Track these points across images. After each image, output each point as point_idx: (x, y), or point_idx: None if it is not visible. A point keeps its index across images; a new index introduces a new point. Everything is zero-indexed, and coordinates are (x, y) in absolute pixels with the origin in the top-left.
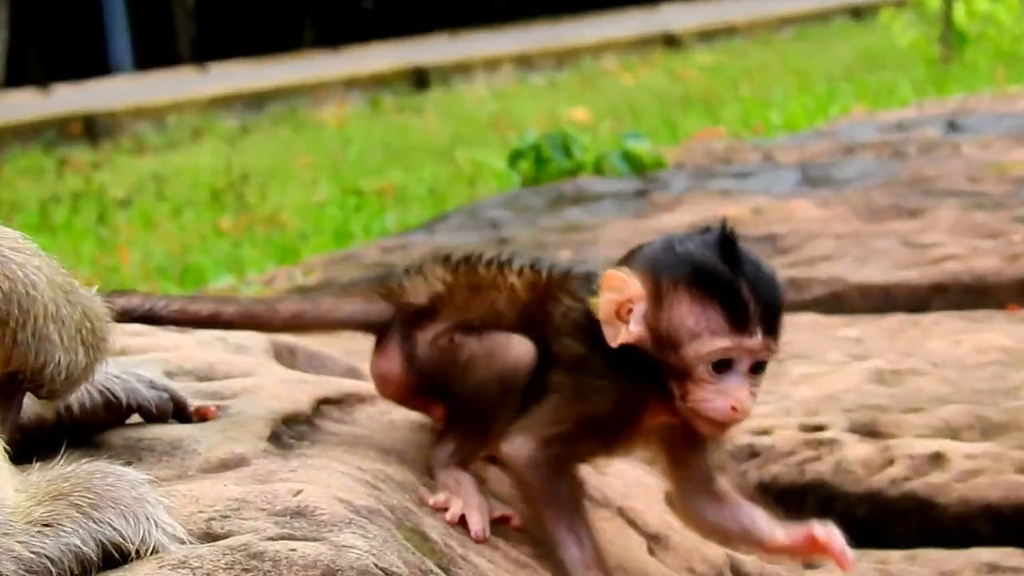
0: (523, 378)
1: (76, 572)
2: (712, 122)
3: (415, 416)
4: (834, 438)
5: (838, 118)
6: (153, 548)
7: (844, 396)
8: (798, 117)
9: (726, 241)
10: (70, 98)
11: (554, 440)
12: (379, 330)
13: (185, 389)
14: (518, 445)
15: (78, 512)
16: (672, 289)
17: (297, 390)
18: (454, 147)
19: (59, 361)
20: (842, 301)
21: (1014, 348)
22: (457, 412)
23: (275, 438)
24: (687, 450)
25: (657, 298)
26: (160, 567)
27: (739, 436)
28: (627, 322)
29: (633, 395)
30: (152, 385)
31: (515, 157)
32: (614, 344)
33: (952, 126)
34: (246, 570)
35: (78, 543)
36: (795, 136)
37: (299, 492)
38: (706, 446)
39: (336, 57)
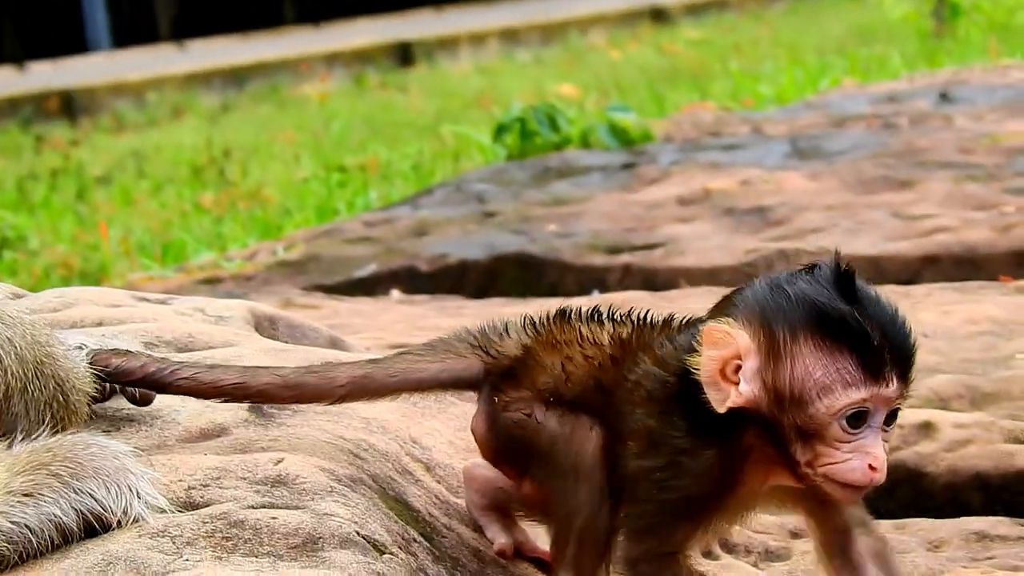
0: (597, 465)
1: (57, 542)
2: (701, 96)
3: None
4: None
5: (829, 91)
6: (134, 519)
7: None
8: (788, 90)
9: (843, 277)
10: (47, 75)
11: (648, 534)
12: (472, 387)
13: None
14: (620, 549)
15: (59, 482)
16: (791, 339)
17: (278, 360)
18: (439, 123)
19: (23, 428)
20: None
21: (1005, 319)
22: (558, 532)
23: (256, 408)
24: (821, 508)
25: (773, 351)
26: (140, 536)
27: None
28: (735, 382)
29: (730, 463)
30: None
31: (500, 131)
32: (722, 409)
33: (944, 98)
34: (227, 538)
35: (58, 513)
36: (785, 109)
37: (280, 461)
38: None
39: (318, 33)
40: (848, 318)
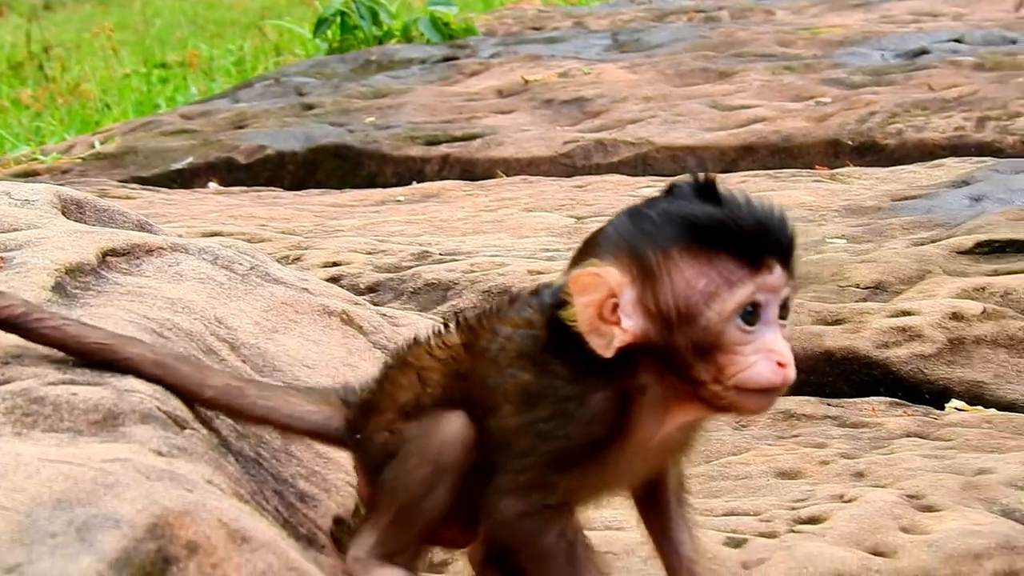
0: (460, 457)
1: None
2: None
3: (204, 268)
4: None
5: None
6: None
7: None
8: None
9: (704, 186)
10: None
11: (532, 488)
12: (335, 440)
13: None
14: (493, 509)
15: None
16: (664, 258)
17: (83, 241)
18: (263, 20)
19: None
20: (650, 162)
21: (817, 204)
22: (382, 500)
23: (59, 288)
24: (673, 467)
25: (649, 276)
26: None
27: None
28: (616, 321)
29: (621, 406)
30: None
31: (321, 24)
32: (609, 353)
33: None
34: (27, 414)
35: None
36: (608, 3)
37: None
38: (682, 458)
39: None
40: (717, 219)
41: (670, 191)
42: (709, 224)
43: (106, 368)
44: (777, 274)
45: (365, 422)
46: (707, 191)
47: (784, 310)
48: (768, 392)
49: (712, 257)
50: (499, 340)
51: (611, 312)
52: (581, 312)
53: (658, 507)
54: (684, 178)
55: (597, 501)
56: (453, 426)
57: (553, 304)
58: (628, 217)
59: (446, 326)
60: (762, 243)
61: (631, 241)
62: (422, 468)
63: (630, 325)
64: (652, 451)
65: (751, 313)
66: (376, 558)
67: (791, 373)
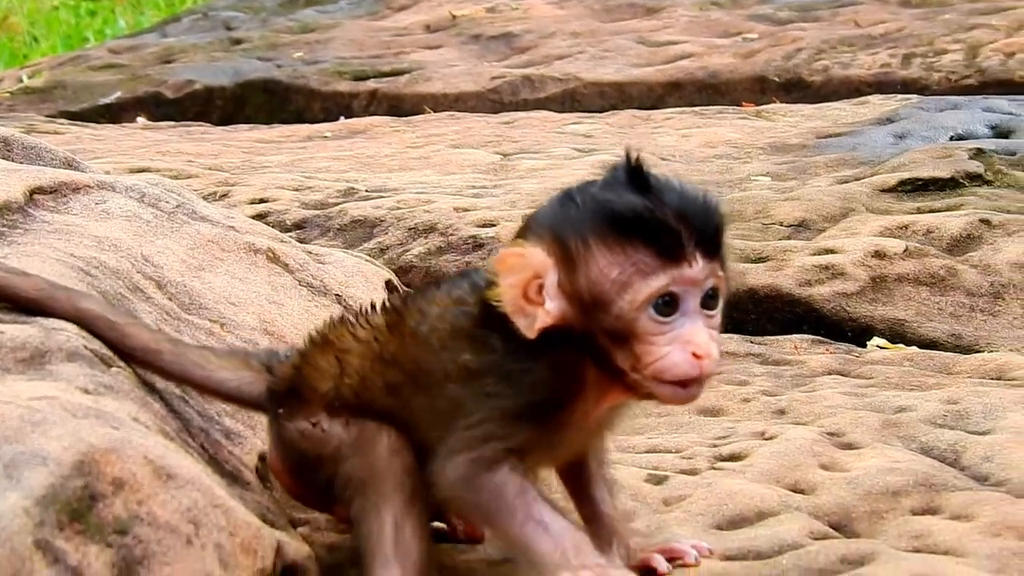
0: (400, 472)
1: None
2: None
3: (131, 206)
4: None
5: None
6: None
7: None
8: None
9: (633, 169)
10: None
11: (483, 440)
12: (254, 405)
13: None
14: (440, 471)
15: None
16: (583, 244)
17: (10, 180)
18: None
19: None
20: (577, 99)
21: (742, 142)
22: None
23: None
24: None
25: (569, 261)
26: None
27: (464, 229)
28: (541, 303)
29: (564, 374)
30: None
31: None
32: (532, 334)
33: None
34: None
35: None
36: None
37: None
38: (608, 432)
39: None
40: (636, 209)
41: (608, 171)
42: (626, 213)
43: (31, 310)
44: (698, 266)
45: (286, 401)
46: (637, 177)
47: (712, 301)
48: (686, 384)
49: (627, 247)
50: (429, 320)
51: (536, 293)
52: (506, 291)
53: (579, 469)
54: (621, 159)
55: (535, 470)
56: (383, 439)
57: (484, 284)
58: (558, 200)
59: (373, 307)
60: (680, 234)
61: (555, 225)
62: (380, 497)
63: (552, 308)
64: (588, 427)
65: (668, 304)
66: None
67: (710, 365)
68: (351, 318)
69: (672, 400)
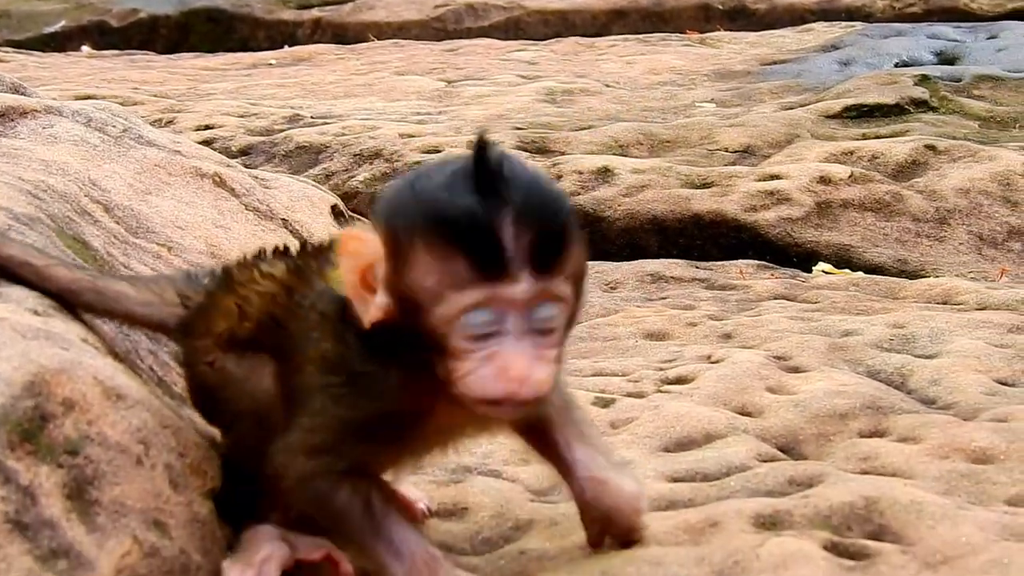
0: (278, 412)
1: None
2: None
3: (78, 131)
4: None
5: None
6: None
7: (514, 115)
8: None
9: (479, 162)
10: None
11: (320, 451)
12: (168, 333)
13: None
14: (283, 468)
15: None
16: (408, 241)
17: None
18: None
19: None
20: (522, 27)
21: (686, 69)
22: (229, 455)
23: None
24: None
25: (396, 255)
26: None
27: (409, 155)
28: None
29: (417, 384)
30: None
31: None
32: (366, 324)
33: None
34: None
35: None
36: None
37: None
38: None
39: None
40: (464, 214)
41: (463, 162)
42: (451, 218)
43: None
44: (522, 285)
45: (190, 334)
46: (482, 167)
47: (548, 320)
48: (498, 403)
49: (446, 254)
50: (311, 297)
51: (373, 281)
52: (346, 275)
53: (545, 435)
54: (485, 141)
55: (398, 470)
56: (267, 379)
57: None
58: (404, 181)
59: (278, 251)
60: (504, 249)
61: (388, 216)
62: (248, 418)
63: (380, 300)
64: (452, 431)
65: (487, 321)
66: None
67: (522, 389)
68: (260, 263)
69: (490, 415)
